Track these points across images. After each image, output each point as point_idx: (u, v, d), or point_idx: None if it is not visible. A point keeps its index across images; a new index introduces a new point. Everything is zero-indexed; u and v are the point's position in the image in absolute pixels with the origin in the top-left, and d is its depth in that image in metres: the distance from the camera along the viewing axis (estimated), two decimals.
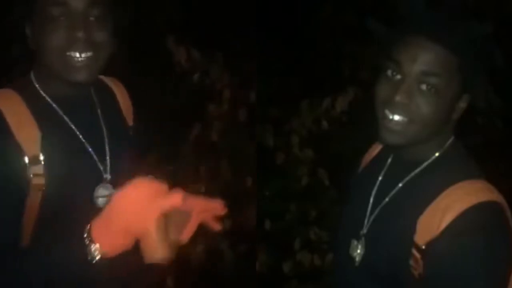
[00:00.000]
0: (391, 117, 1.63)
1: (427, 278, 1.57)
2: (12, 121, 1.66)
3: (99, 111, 1.84)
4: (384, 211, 1.71)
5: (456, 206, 1.57)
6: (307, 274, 3.64)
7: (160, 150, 3.36)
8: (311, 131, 3.68)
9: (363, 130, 3.73)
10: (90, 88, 1.84)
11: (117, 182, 1.74)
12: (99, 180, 1.79)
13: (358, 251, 1.72)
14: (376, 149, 1.89)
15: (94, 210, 1.57)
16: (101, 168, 1.79)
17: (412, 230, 1.61)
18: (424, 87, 1.60)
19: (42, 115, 1.72)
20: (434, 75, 1.60)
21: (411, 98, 1.61)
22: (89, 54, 1.69)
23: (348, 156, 3.73)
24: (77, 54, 1.68)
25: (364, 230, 1.73)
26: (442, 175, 1.65)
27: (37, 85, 1.77)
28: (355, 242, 1.74)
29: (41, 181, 1.66)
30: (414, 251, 1.60)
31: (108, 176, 1.80)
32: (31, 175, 1.66)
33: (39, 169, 1.66)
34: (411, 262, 1.60)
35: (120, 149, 1.85)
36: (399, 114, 1.62)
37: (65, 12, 1.68)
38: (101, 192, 1.78)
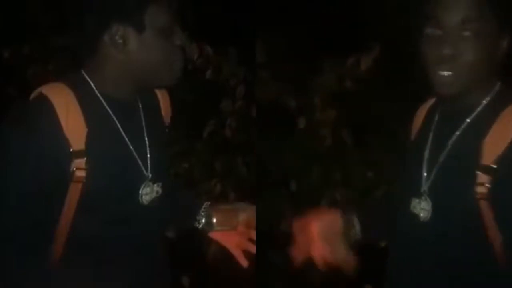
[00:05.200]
0: (442, 73, 1.65)
1: (498, 197, 1.59)
2: (61, 114, 1.73)
3: (142, 114, 1.90)
4: (445, 162, 1.72)
5: None
6: None
7: (174, 147, 3.39)
8: (334, 91, 3.63)
9: (388, 88, 3.71)
10: (137, 94, 1.91)
11: (156, 180, 1.88)
12: (141, 178, 1.86)
13: (422, 207, 1.73)
14: (421, 113, 1.89)
15: (138, 207, 1.84)
16: (143, 167, 1.86)
17: (478, 157, 1.62)
18: (467, 33, 1.63)
19: (91, 112, 1.78)
20: (474, 20, 1.63)
21: (457, 49, 1.63)
22: None
23: (372, 115, 3.82)
24: None
25: (425, 187, 1.73)
26: (496, 107, 1.67)
27: (92, 83, 1.82)
28: (416, 200, 1.74)
29: (82, 173, 1.74)
30: (481, 175, 1.61)
31: (149, 174, 1.86)
32: (74, 168, 1.74)
33: (81, 163, 1.74)
34: (477, 189, 1.61)
35: (159, 150, 1.92)
36: (449, 67, 1.64)
37: None
38: (145, 190, 1.86)
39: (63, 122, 1.73)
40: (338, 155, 3.67)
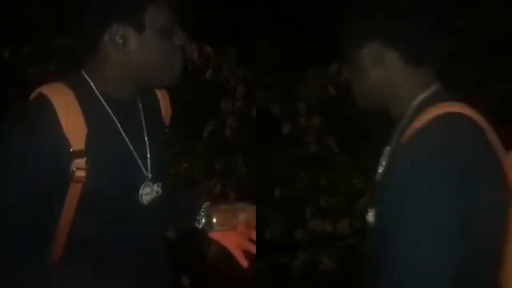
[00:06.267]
0: None
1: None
2: (61, 114, 1.74)
3: (142, 114, 1.91)
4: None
5: (424, 117, 1.59)
6: (319, 240, 3.68)
7: (174, 147, 3.41)
8: (318, 98, 3.66)
9: None
10: (137, 94, 1.91)
11: (156, 180, 1.88)
12: (141, 178, 1.86)
13: (372, 214, 1.74)
14: None
15: (138, 207, 1.84)
16: (143, 167, 1.86)
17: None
18: None
19: (91, 112, 1.79)
20: None
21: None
22: None
23: (356, 121, 3.82)
24: None
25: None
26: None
27: (92, 83, 1.82)
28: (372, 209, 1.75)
29: (82, 173, 1.75)
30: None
31: (149, 174, 1.87)
32: (74, 168, 1.74)
33: (81, 163, 1.74)
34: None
35: (159, 150, 1.93)
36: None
37: None
38: (145, 190, 1.86)
39: (63, 122, 1.73)
40: (323, 162, 3.71)
